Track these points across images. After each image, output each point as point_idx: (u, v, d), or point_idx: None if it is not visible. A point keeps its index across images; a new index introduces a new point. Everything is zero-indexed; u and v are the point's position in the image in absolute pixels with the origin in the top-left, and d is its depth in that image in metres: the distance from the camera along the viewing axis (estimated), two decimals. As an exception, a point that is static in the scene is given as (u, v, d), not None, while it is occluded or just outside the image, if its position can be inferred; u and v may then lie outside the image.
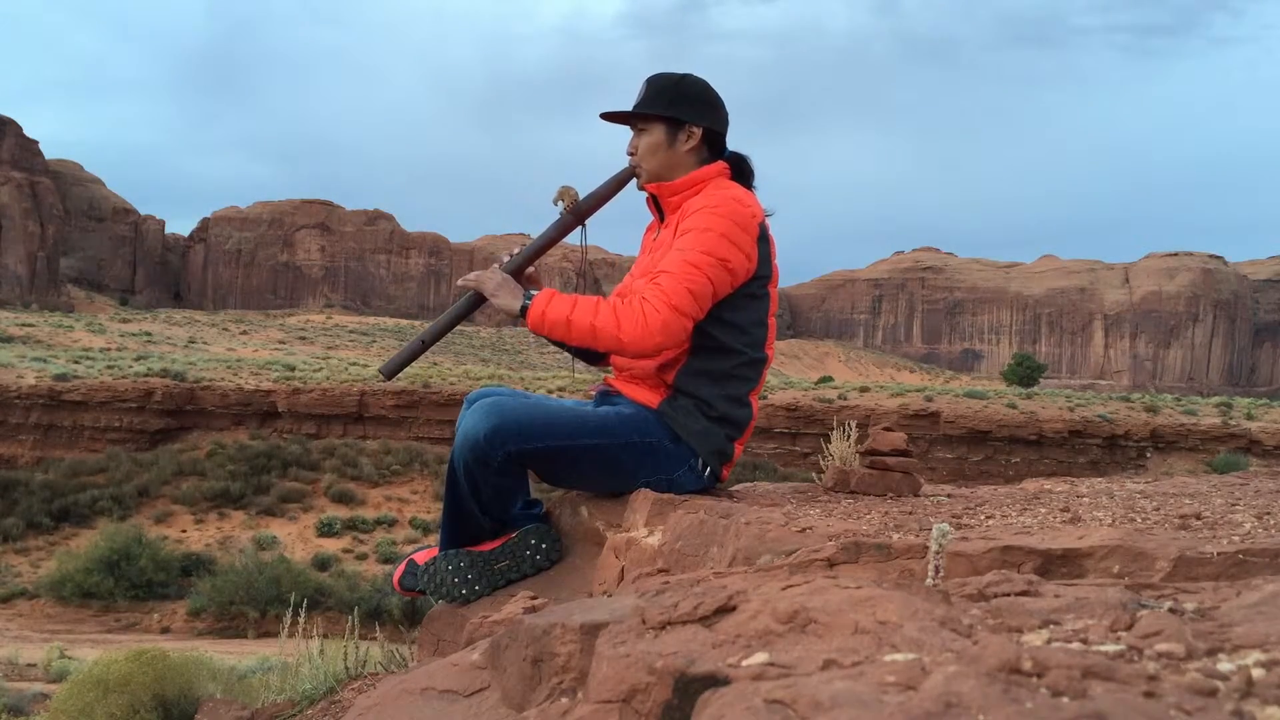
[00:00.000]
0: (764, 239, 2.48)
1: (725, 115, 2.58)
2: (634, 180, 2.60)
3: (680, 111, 2.50)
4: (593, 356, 2.70)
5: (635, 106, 2.54)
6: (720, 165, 2.54)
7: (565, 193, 2.60)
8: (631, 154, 2.57)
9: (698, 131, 2.51)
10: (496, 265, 2.60)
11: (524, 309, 2.43)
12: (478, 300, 2.56)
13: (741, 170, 2.58)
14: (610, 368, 2.69)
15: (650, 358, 2.45)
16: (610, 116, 2.58)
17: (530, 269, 2.63)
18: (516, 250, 2.63)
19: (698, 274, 2.34)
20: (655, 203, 2.59)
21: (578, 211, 2.61)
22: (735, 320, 2.47)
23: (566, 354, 2.71)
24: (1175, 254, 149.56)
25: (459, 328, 3.00)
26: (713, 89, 2.57)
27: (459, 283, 2.59)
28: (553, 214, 2.64)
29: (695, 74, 2.58)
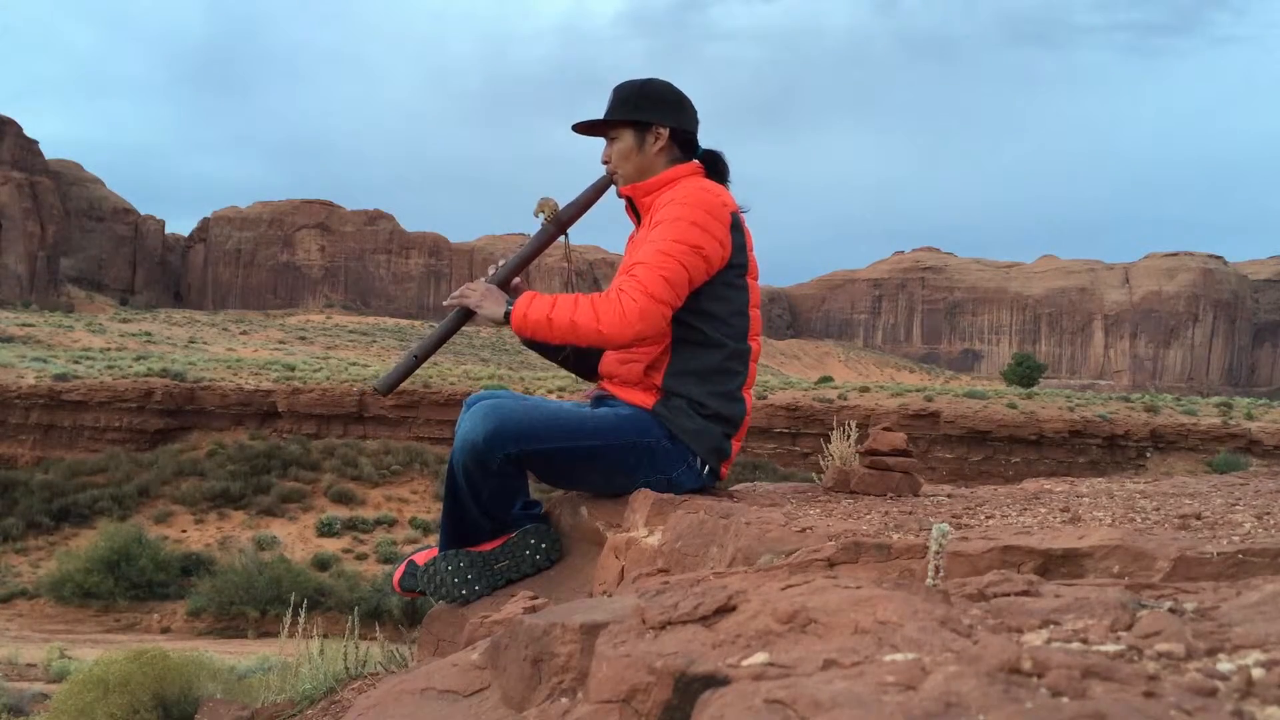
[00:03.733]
0: (737, 228, 2.50)
1: (693, 114, 2.62)
2: (613, 187, 2.65)
3: (645, 114, 2.55)
4: (585, 370, 2.72)
5: (604, 116, 2.59)
6: (693, 164, 2.58)
7: (545, 204, 2.66)
8: (606, 162, 2.62)
9: (665, 132, 2.55)
10: (483, 279, 2.64)
11: (507, 314, 2.46)
12: (466, 314, 2.60)
13: (716, 167, 2.61)
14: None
15: (632, 347, 2.47)
16: (582, 128, 2.62)
17: (516, 280, 2.67)
18: (502, 262, 2.68)
19: (671, 261, 2.37)
20: (632, 207, 2.62)
21: (558, 221, 2.66)
22: (715, 311, 2.49)
23: (563, 369, 2.75)
24: (1175, 254, 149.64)
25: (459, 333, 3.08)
26: (677, 90, 2.61)
27: (445, 303, 2.63)
28: (536, 225, 2.70)
29: (660, 78, 2.62)
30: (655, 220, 2.45)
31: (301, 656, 3.42)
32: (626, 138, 2.56)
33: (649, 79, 2.60)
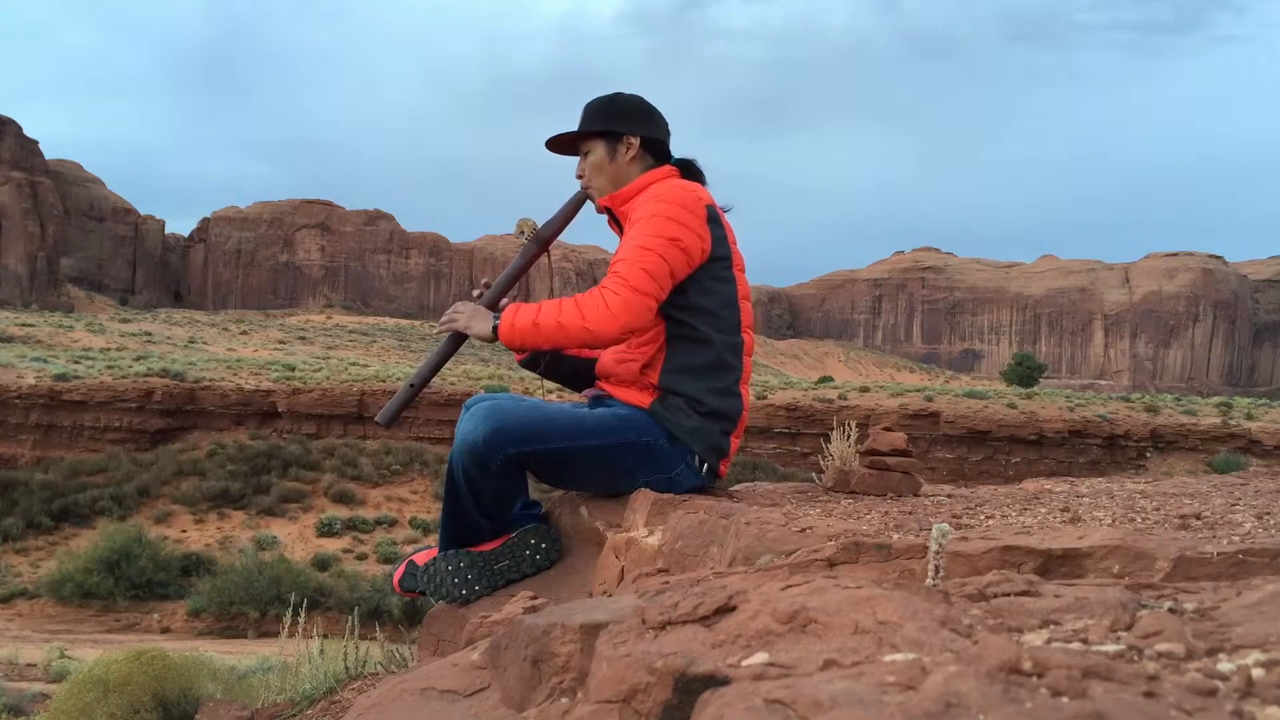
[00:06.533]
0: (715, 221, 2.51)
1: (663, 123, 2.65)
2: (589, 202, 2.69)
3: (615, 125, 2.59)
4: (578, 381, 2.75)
5: (575, 130, 2.63)
6: (667, 168, 2.61)
7: (525, 224, 2.74)
8: (581, 177, 2.66)
9: (635, 141, 2.58)
10: (469, 301, 2.68)
11: (495, 328, 2.48)
12: (459, 338, 2.63)
13: (691, 172, 2.64)
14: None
15: (623, 343, 2.50)
16: (555, 145, 2.66)
17: (504, 300, 2.71)
18: (485, 281, 2.74)
19: (650, 254, 2.39)
20: (614, 218, 2.64)
21: (539, 239, 2.73)
22: (704, 305, 2.50)
23: (559, 386, 2.81)
24: (1175, 254, 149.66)
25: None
26: (646, 101, 2.65)
27: (435, 331, 2.69)
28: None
29: (628, 91, 2.67)
30: (633, 220, 2.49)
31: (301, 656, 3.42)
32: (598, 150, 2.59)
33: (616, 93, 2.65)
